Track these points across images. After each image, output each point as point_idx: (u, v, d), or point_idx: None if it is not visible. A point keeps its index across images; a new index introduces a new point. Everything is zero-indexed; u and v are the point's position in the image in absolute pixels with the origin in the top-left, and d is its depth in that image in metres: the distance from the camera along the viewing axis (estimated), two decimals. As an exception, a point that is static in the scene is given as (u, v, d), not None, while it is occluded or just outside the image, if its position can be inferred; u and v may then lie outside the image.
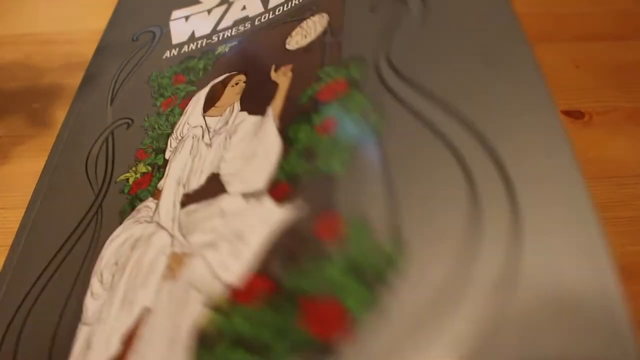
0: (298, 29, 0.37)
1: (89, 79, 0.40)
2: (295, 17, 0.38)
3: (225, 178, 0.26)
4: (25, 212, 0.32)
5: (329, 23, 0.33)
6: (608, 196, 0.34)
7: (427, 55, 0.26)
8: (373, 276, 0.17)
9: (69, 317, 0.26)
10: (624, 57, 0.44)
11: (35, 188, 0.33)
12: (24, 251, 0.30)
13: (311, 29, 0.35)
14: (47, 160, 0.34)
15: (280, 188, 0.23)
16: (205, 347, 0.19)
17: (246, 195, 0.24)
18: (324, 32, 0.33)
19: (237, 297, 0.19)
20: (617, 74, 0.42)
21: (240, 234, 0.22)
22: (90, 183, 0.33)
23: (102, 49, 0.42)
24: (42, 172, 0.34)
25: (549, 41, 0.45)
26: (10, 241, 0.30)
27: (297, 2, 0.39)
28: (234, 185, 0.25)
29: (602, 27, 0.47)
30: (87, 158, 0.34)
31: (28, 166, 0.34)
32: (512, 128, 0.20)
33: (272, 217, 0.21)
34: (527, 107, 0.21)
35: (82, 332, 0.25)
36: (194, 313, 0.20)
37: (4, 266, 0.29)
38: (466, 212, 0.18)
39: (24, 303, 0.28)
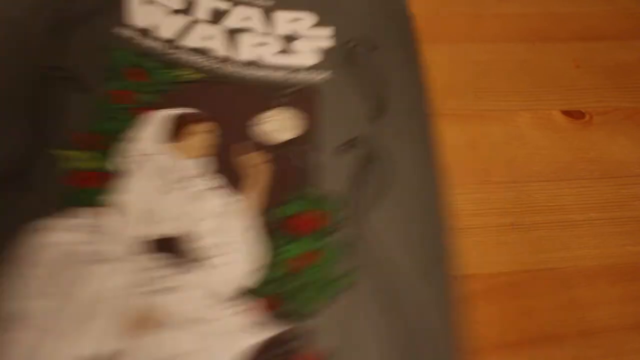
0: (270, 115, 0.35)
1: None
2: (265, 92, 0.37)
3: (200, 252, 0.28)
4: None
5: (305, 131, 0.34)
6: (608, 196, 0.34)
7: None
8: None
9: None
10: (624, 57, 0.44)
11: None
12: None
13: (283, 126, 0.34)
14: None
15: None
16: None
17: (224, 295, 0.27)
18: (302, 142, 0.33)
19: None
20: (617, 74, 0.42)
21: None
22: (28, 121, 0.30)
23: None
24: None
25: (549, 41, 0.45)
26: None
27: (263, 73, 0.38)
28: (211, 272, 0.27)
29: (602, 27, 0.47)
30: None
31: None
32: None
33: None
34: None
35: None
36: None
37: None
38: None
39: None
